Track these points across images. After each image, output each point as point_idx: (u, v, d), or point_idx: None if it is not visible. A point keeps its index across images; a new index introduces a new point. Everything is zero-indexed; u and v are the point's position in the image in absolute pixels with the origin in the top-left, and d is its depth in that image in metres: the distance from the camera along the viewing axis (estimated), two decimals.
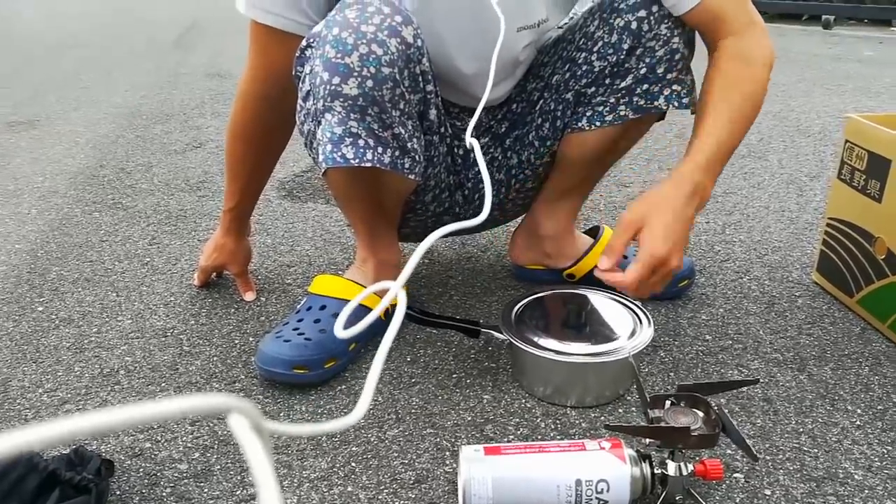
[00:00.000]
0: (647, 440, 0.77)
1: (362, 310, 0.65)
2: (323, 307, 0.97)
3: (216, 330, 1.06)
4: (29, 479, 0.66)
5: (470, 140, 0.78)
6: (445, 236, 0.60)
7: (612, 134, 0.96)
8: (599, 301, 0.96)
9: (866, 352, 0.98)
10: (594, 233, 1.15)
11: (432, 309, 1.09)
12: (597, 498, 0.68)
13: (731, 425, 0.68)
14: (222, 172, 1.78)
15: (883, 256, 1.00)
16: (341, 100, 0.77)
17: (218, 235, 1.13)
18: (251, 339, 1.04)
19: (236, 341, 1.03)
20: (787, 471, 0.77)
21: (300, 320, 0.96)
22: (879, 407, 0.87)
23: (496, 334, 0.90)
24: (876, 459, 0.78)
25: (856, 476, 0.76)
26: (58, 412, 0.88)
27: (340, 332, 0.57)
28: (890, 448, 0.80)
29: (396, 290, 0.51)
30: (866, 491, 0.74)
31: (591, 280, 1.12)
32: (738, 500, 0.73)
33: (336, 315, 0.95)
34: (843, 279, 1.08)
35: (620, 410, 0.87)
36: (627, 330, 0.90)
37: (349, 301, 0.96)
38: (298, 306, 1.00)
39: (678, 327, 1.05)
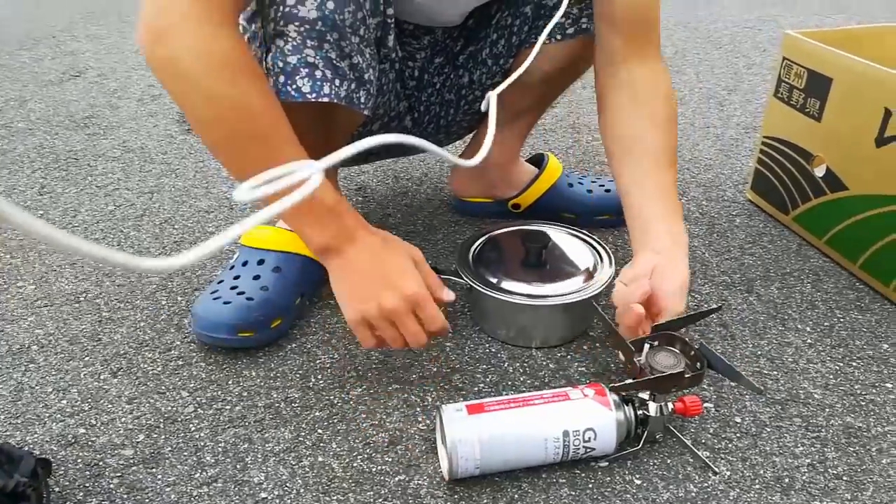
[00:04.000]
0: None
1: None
2: (261, 261, 0.88)
3: (136, 291, 0.96)
4: None
5: (489, 95, 0.70)
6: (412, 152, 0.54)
7: (571, 51, 0.90)
8: (558, 237, 0.92)
9: (806, 268, 1.01)
10: (538, 161, 1.11)
11: None
12: (584, 447, 0.67)
13: (715, 358, 0.68)
14: (111, 105, 1.60)
15: (822, 174, 1.01)
16: (297, 23, 0.67)
17: (376, 247, 0.73)
18: (179, 298, 0.94)
19: (163, 302, 0.94)
20: (753, 396, 0.78)
21: (236, 277, 0.88)
22: (826, 323, 0.90)
23: (456, 279, 0.86)
24: (831, 377, 0.81)
25: (815, 395, 0.79)
26: None
27: (242, 194, 0.38)
28: (841, 364, 0.83)
29: (316, 171, 0.39)
30: (827, 409, 0.77)
31: (536, 210, 1.09)
32: (712, 431, 0.74)
33: (277, 269, 0.87)
34: (779, 197, 1.10)
35: (585, 348, 0.86)
36: (588, 265, 0.87)
37: (289, 253, 0.88)
38: (231, 261, 0.91)
39: (627, 255, 1.04)
